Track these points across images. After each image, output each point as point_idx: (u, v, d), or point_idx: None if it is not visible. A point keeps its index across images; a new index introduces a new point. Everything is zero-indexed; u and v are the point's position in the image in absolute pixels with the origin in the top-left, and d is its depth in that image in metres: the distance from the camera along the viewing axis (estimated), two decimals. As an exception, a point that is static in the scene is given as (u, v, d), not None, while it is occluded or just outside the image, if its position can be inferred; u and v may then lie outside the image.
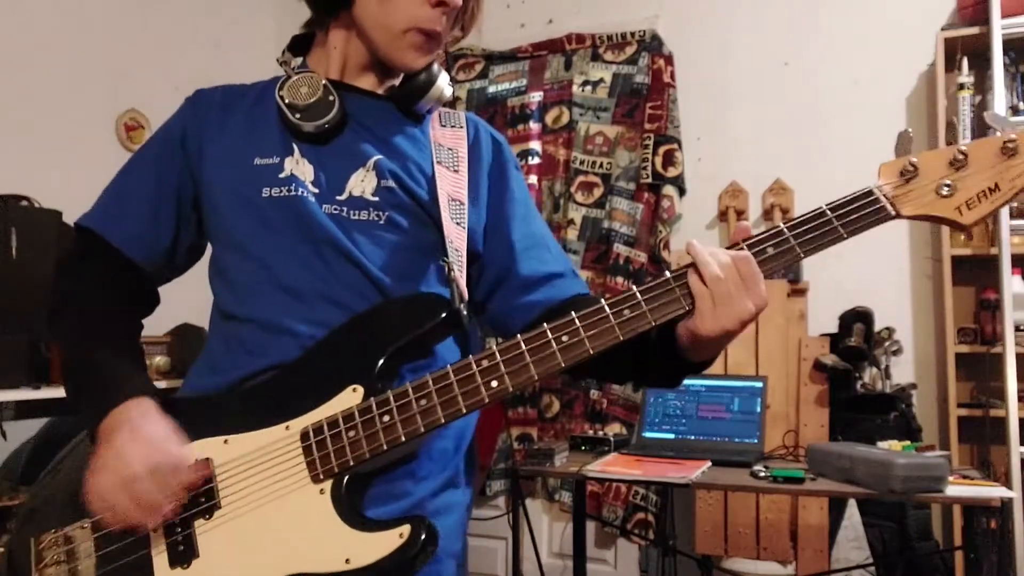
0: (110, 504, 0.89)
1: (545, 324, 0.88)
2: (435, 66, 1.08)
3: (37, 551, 0.97)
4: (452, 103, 1.39)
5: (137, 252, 1.07)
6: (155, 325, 1.13)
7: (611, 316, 0.87)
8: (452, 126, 1.13)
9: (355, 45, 1.07)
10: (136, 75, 3.11)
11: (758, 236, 0.89)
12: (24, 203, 2.51)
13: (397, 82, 1.10)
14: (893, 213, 0.86)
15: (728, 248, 0.88)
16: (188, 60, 3.25)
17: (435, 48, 1.06)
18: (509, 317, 1.09)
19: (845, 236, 0.86)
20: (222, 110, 1.09)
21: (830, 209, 0.87)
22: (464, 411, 0.88)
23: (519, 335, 0.89)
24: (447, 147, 1.09)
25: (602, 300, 0.88)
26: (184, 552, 0.91)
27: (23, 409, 2.51)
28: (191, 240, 1.11)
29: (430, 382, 0.90)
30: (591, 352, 0.87)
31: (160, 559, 0.92)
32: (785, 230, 0.87)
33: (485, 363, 0.88)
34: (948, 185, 0.86)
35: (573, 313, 0.88)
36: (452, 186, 1.06)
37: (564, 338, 0.87)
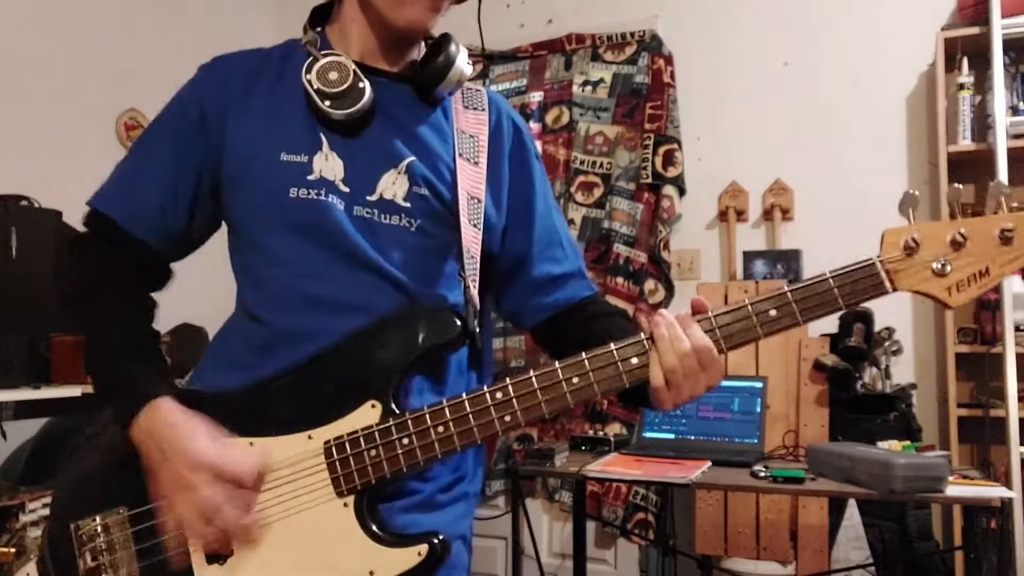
0: (186, 516, 0.92)
1: (557, 364, 0.92)
2: (453, 46, 1.05)
3: (78, 537, 0.99)
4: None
5: (150, 236, 1.05)
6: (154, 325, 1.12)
7: (619, 363, 0.91)
8: (475, 108, 1.10)
9: (366, 19, 1.04)
10: (136, 75, 3.11)
11: (762, 298, 0.90)
12: (24, 203, 2.51)
13: (417, 57, 1.07)
14: (891, 289, 0.89)
15: (695, 316, 0.90)
16: (188, 59, 3.23)
17: (438, 4, 1.01)
18: (520, 315, 1.12)
19: (843, 308, 0.89)
20: (243, 83, 1.05)
21: (833, 278, 0.89)
22: (479, 441, 0.93)
23: (531, 371, 0.92)
24: (469, 134, 1.07)
25: (611, 344, 0.92)
26: (220, 551, 0.95)
27: (23, 409, 2.52)
28: (206, 221, 1.09)
29: (447, 411, 0.93)
30: (599, 395, 0.92)
31: (198, 555, 0.95)
32: (788, 295, 0.89)
33: (499, 396, 0.92)
34: (944, 265, 0.88)
35: (584, 354, 0.91)
36: (471, 182, 1.04)
37: (575, 379, 0.91)
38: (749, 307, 0.89)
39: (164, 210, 1.04)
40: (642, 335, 0.91)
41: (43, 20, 2.87)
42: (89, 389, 2.38)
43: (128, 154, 1.09)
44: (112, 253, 1.06)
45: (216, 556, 0.95)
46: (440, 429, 0.93)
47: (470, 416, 0.93)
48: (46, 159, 2.78)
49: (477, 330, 1.01)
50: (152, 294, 1.11)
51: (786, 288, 0.89)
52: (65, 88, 2.90)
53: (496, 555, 3.31)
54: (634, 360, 0.91)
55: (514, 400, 0.92)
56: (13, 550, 2.18)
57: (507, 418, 0.92)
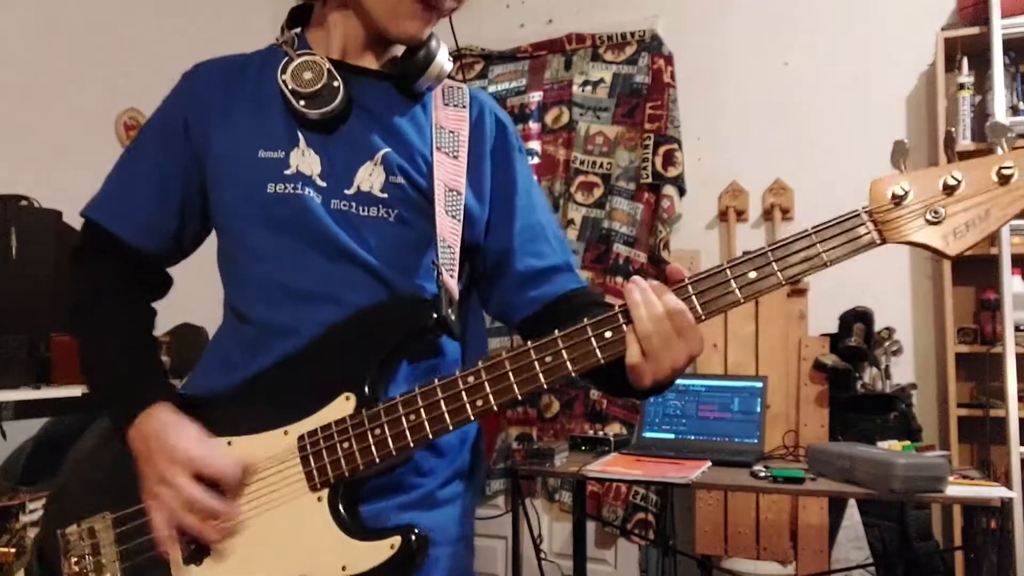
0: (171, 519, 0.92)
1: (529, 343, 0.89)
2: (434, 41, 1.06)
3: (64, 543, 1.00)
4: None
5: (143, 241, 1.06)
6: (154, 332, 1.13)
7: (592, 339, 0.87)
8: (455, 105, 1.10)
9: (354, 22, 1.05)
10: (136, 74, 3.11)
11: (740, 259, 0.85)
12: (24, 203, 2.51)
13: (399, 53, 1.07)
14: (878, 241, 0.82)
15: (673, 287, 0.86)
16: (188, 59, 3.24)
17: (434, 16, 1.03)
18: (507, 311, 1.10)
19: (829, 264, 0.83)
20: (225, 89, 1.07)
21: (815, 233, 0.83)
22: (451, 428, 0.90)
23: (503, 352, 0.89)
24: (448, 130, 1.07)
25: (584, 320, 0.88)
26: (196, 551, 0.95)
27: (23, 409, 2.52)
28: (196, 226, 1.10)
29: (418, 398, 0.91)
30: (572, 374, 0.88)
31: (175, 555, 0.95)
32: (769, 254, 0.84)
33: (471, 380, 0.90)
34: (937, 211, 0.81)
35: (557, 332, 0.88)
36: (450, 175, 1.04)
37: (548, 359, 0.88)
38: (728, 270, 0.85)
39: (153, 215, 1.06)
40: (616, 308, 0.87)
41: (43, 20, 2.87)
42: (89, 389, 2.38)
43: (116, 163, 1.10)
44: (108, 261, 1.08)
45: (193, 555, 0.95)
46: (412, 418, 0.90)
47: (441, 402, 0.90)
48: (46, 159, 2.78)
49: (452, 318, 0.99)
50: (152, 302, 1.13)
51: (766, 248, 0.84)
52: (65, 88, 2.90)
53: (496, 555, 3.31)
54: (608, 334, 0.86)
55: (486, 383, 0.89)
56: (13, 550, 2.19)
57: (479, 402, 0.89)
